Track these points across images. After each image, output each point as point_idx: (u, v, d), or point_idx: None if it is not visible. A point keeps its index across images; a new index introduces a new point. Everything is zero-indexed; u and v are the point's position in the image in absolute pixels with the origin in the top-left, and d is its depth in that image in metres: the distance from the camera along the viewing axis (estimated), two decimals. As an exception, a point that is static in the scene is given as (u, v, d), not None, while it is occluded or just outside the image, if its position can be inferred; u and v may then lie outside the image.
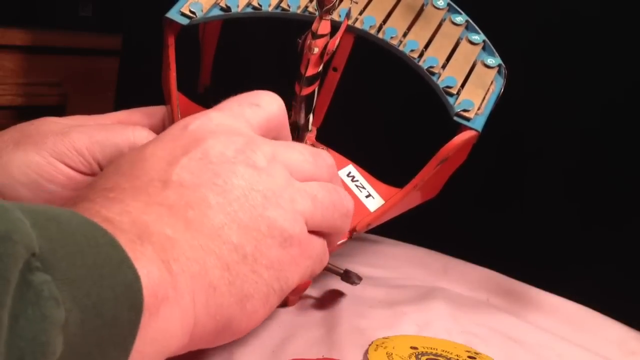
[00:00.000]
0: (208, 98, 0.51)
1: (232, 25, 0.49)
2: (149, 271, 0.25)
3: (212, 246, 0.29)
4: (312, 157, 0.35)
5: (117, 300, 0.22)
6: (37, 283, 0.19)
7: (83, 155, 0.39)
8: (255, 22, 0.47)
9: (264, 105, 0.35)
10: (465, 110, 0.42)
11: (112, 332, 0.22)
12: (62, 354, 0.20)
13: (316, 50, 0.38)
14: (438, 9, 0.48)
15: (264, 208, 0.31)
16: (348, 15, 0.43)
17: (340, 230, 0.36)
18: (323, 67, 0.40)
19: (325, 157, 0.36)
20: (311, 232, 0.34)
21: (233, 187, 0.30)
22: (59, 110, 1.29)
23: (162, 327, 0.25)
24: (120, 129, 0.40)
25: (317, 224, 0.34)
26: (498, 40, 0.47)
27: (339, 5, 0.45)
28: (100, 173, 0.32)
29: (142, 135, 0.40)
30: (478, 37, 0.47)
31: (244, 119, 0.34)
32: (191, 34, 0.46)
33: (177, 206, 0.29)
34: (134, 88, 0.88)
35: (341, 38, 0.40)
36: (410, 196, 0.44)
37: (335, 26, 0.40)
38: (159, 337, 0.25)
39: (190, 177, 0.30)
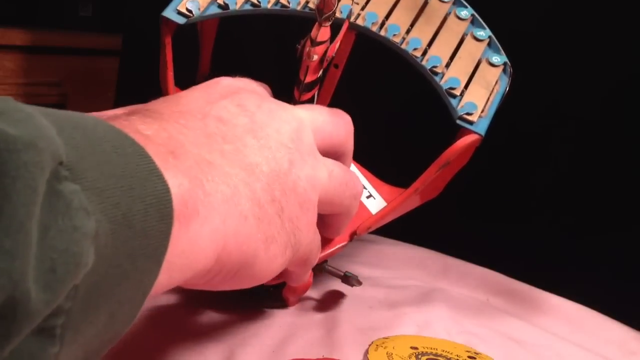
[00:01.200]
0: None
1: (230, 19, 0.49)
2: (180, 183, 0.24)
3: (247, 178, 0.29)
4: (330, 117, 0.36)
5: (146, 211, 0.22)
6: (66, 192, 0.19)
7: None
8: (254, 18, 0.46)
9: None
10: (468, 114, 0.41)
11: (142, 242, 0.22)
12: (94, 265, 0.19)
13: (315, 57, 0.38)
14: (443, 2, 0.46)
15: (291, 165, 0.31)
16: (349, 17, 0.43)
17: (348, 211, 0.37)
18: (323, 69, 0.40)
19: (342, 115, 0.37)
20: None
21: (268, 136, 0.31)
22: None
23: (191, 240, 0.25)
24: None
25: (329, 198, 0.34)
26: (501, 32, 0.46)
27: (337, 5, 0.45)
28: (137, 106, 0.32)
29: None
30: (484, 33, 0.45)
31: (267, 91, 0.36)
32: (189, 30, 0.46)
33: (215, 136, 0.29)
34: (134, 88, 0.87)
35: (342, 37, 0.39)
36: (411, 199, 0.43)
37: (337, 23, 0.39)
38: (188, 251, 0.25)
39: (228, 116, 0.30)
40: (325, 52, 0.38)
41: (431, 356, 0.38)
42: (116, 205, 0.21)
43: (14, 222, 0.17)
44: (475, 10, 0.47)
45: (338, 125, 0.36)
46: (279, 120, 0.32)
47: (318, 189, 0.33)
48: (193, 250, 0.25)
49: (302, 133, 0.33)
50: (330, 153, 0.36)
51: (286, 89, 0.43)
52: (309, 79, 0.39)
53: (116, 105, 0.92)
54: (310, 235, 0.33)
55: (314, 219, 0.33)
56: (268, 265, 0.30)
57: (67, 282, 0.18)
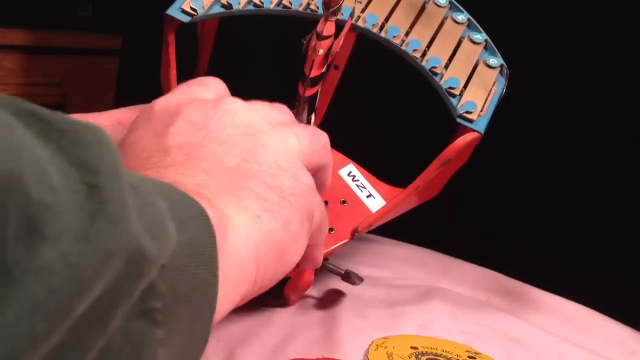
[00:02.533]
0: None
1: (229, 22, 0.49)
2: (202, 205, 0.26)
3: (238, 181, 0.30)
4: (272, 108, 0.36)
5: (195, 223, 0.24)
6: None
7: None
8: (253, 18, 0.46)
9: (212, 86, 0.36)
10: (468, 112, 0.42)
11: (196, 250, 0.23)
12: (170, 262, 0.21)
13: (321, 51, 0.38)
14: (440, 6, 0.47)
15: (261, 142, 0.32)
16: (352, 15, 0.43)
17: (326, 165, 0.37)
18: (326, 68, 0.40)
19: (285, 109, 0.37)
20: None
21: (229, 136, 0.31)
22: (59, 110, 1.28)
23: (234, 249, 0.27)
24: (121, 130, 0.40)
25: (307, 160, 0.35)
26: (497, 36, 0.46)
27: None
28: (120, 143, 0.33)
29: None
30: (480, 37, 0.46)
31: (198, 94, 0.35)
32: (187, 31, 0.46)
33: (188, 163, 0.30)
34: (134, 88, 0.87)
35: (344, 38, 0.40)
36: (412, 197, 0.44)
37: (339, 24, 0.39)
38: (236, 261, 0.27)
39: (186, 140, 0.31)
40: (330, 47, 0.39)
41: (431, 356, 0.38)
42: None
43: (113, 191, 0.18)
44: (475, 9, 0.47)
45: (281, 110, 0.36)
46: (226, 113, 0.33)
47: (295, 153, 0.33)
48: (240, 260, 0.28)
49: (252, 111, 0.33)
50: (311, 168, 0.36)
51: (286, 89, 0.43)
52: (314, 73, 0.39)
53: (116, 105, 0.92)
54: (317, 198, 0.34)
55: (309, 180, 0.33)
56: (296, 246, 0.32)
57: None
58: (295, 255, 0.32)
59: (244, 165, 0.31)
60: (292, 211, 0.31)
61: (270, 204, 0.30)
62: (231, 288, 0.27)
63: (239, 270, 0.28)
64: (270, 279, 0.31)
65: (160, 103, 0.34)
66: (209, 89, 0.36)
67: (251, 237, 0.29)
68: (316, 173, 0.37)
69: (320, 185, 0.38)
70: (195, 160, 0.30)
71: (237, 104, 0.33)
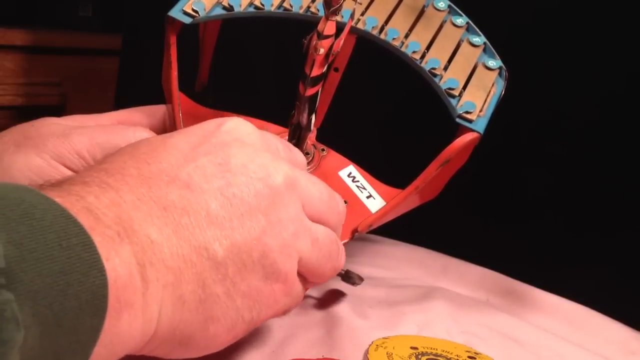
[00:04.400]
0: (206, 97, 0.51)
1: (230, 25, 0.49)
2: (117, 275, 0.24)
3: (195, 259, 0.28)
4: (328, 197, 0.34)
5: (80, 308, 0.22)
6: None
7: (84, 158, 0.38)
8: (254, 21, 0.47)
9: (298, 158, 0.36)
10: (467, 112, 0.42)
11: (71, 339, 0.22)
12: None
13: (322, 50, 0.38)
14: (439, 10, 0.48)
15: (263, 233, 0.30)
16: (352, 16, 0.43)
17: (322, 280, 0.36)
18: (326, 68, 0.40)
19: (339, 201, 0.36)
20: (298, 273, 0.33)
21: (241, 202, 0.29)
22: (59, 110, 1.28)
23: (121, 332, 0.25)
24: (121, 130, 0.40)
25: (309, 267, 0.33)
26: (496, 40, 0.46)
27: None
28: (120, 149, 0.31)
29: (143, 136, 0.40)
30: (479, 39, 0.47)
31: (274, 141, 0.34)
32: (188, 33, 0.46)
33: (173, 208, 0.28)
34: (134, 88, 0.88)
35: (344, 39, 0.40)
36: (412, 197, 0.44)
37: (339, 27, 0.40)
38: (116, 341, 0.25)
39: (200, 180, 0.29)
40: (331, 46, 0.39)
41: (431, 356, 0.38)
42: (49, 306, 0.21)
43: None
44: (476, 11, 0.47)
45: (332, 208, 0.35)
46: (264, 180, 0.30)
47: (295, 258, 0.31)
48: (122, 341, 0.25)
49: (289, 196, 0.31)
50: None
51: (286, 90, 0.43)
52: (314, 73, 0.39)
53: (116, 105, 0.92)
54: (280, 303, 0.32)
55: (285, 287, 0.31)
56: (206, 344, 0.29)
57: None
58: (200, 349, 0.30)
59: (218, 246, 0.28)
60: (226, 312, 0.29)
61: (208, 296, 0.28)
62: (99, 358, 0.24)
63: (118, 348, 0.25)
64: (159, 355, 0.29)
65: (231, 125, 0.32)
66: (292, 157, 0.34)
67: (159, 316, 0.26)
68: (308, 282, 0.34)
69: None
70: (181, 209, 0.28)
71: (291, 174, 0.31)
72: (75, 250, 0.22)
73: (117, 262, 0.24)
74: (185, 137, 0.31)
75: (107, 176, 0.27)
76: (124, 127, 0.41)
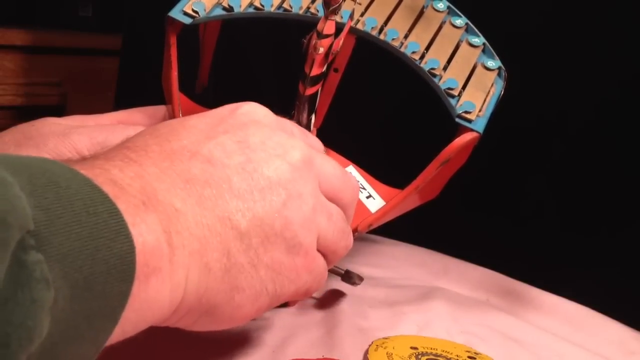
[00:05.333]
0: (206, 97, 0.51)
1: (231, 25, 0.49)
2: (144, 240, 0.24)
3: (219, 228, 0.28)
4: (342, 173, 0.35)
5: (109, 272, 0.22)
6: (29, 263, 0.19)
7: (84, 157, 0.39)
8: (253, 22, 0.47)
9: (313, 140, 0.36)
10: (467, 112, 0.42)
11: (101, 303, 0.22)
12: (49, 330, 0.20)
13: (321, 50, 0.38)
14: (438, 11, 0.48)
15: (284, 206, 0.30)
16: (351, 16, 0.43)
17: (337, 259, 0.36)
18: (326, 67, 0.40)
19: (352, 179, 0.36)
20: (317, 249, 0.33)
21: (262, 176, 0.30)
22: (59, 110, 1.29)
23: (150, 297, 0.25)
24: (121, 129, 0.40)
25: (327, 244, 0.34)
26: (495, 41, 0.47)
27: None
28: (140, 131, 0.31)
29: None
30: (478, 40, 0.47)
31: (289, 124, 0.35)
32: (188, 34, 0.46)
33: (195, 181, 0.28)
34: (134, 88, 0.88)
35: (343, 39, 0.40)
36: (412, 197, 0.44)
37: (338, 27, 0.40)
38: (145, 307, 0.25)
39: (220, 156, 0.30)
40: (331, 45, 0.39)
41: (431, 356, 0.38)
42: (79, 269, 0.21)
43: None
44: (476, 13, 0.47)
45: (346, 184, 0.35)
46: (282, 156, 0.31)
47: (315, 232, 0.32)
48: (150, 307, 0.25)
49: (307, 173, 0.32)
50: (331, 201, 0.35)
51: (286, 90, 0.43)
52: (314, 72, 0.39)
53: (116, 105, 0.92)
54: (302, 278, 0.32)
55: (307, 262, 0.32)
56: (231, 315, 0.30)
57: (20, 355, 0.19)
58: (225, 320, 0.30)
59: (241, 217, 0.29)
60: (251, 282, 0.29)
61: (233, 265, 0.29)
62: (129, 327, 0.25)
63: (148, 314, 0.26)
64: (185, 325, 0.29)
65: (247, 108, 0.33)
66: (307, 140, 0.35)
67: (185, 285, 0.27)
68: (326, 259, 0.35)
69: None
70: (204, 182, 0.28)
71: (307, 152, 0.32)
72: (102, 217, 0.22)
73: (143, 228, 0.25)
74: (204, 119, 0.32)
75: (130, 152, 0.28)
76: (123, 127, 0.41)
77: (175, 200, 0.27)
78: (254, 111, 0.33)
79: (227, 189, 0.29)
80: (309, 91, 0.40)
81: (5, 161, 0.21)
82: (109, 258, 0.22)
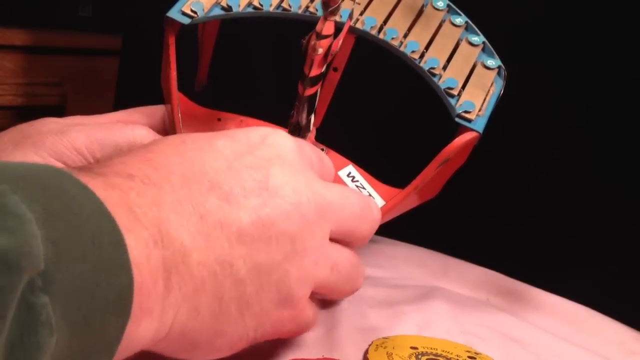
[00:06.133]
0: (206, 97, 0.51)
1: (230, 25, 0.49)
2: (143, 280, 0.24)
3: (218, 272, 0.28)
4: (360, 210, 0.34)
5: (107, 308, 0.22)
6: (37, 306, 0.19)
7: (82, 154, 0.38)
8: (253, 21, 0.47)
9: (327, 168, 0.36)
10: (466, 112, 0.42)
11: (97, 339, 0.22)
12: None
13: (320, 50, 0.38)
14: (438, 10, 0.48)
15: (286, 259, 0.30)
16: (351, 16, 0.43)
17: (340, 297, 0.36)
18: (325, 68, 0.40)
19: (373, 208, 0.36)
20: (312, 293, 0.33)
21: (272, 224, 0.29)
22: (59, 110, 1.29)
23: (137, 335, 0.25)
24: (119, 127, 0.40)
25: (324, 291, 0.33)
26: (495, 40, 0.47)
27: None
28: (166, 138, 0.31)
29: (142, 133, 0.40)
30: (478, 39, 0.47)
31: (308, 154, 0.34)
32: (187, 33, 0.46)
33: (209, 217, 0.28)
34: (134, 88, 0.88)
35: (345, 32, 0.40)
36: (411, 197, 0.44)
37: (338, 27, 0.40)
38: (130, 343, 0.25)
39: (238, 194, 0.29)
40: (330, 46, 0.39)
41: (431, 356, 0.38)
42: (79, 307, 0.21)
43: None
44: (475, 11, 0.47)
45: (364, 220, 0.35)
46: (297, 207, 0.30)
47: (311, 285, 0.32)
48: (134, 342, 0.25)
49: (318, 224, 0.31)
50: (344, 240, 0.34)
51: (285, 90, 0.43)
52: (313, 73, 0.39)
53: (116, 105, 0.92)
54: (286, 327, 0.32)
55: (294, 313, 0.31)
56: (208, 353, 0.30)
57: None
58: (200, 356, 0.30)
59: (243, 264, 0.28)
60: (234, 329, 0.29)
61: (222, 311, 0.28)
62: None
63: (128, 348, 0.25)
64: (162, 353, 0.29)
65: (275, 138, 0.32)
66: (323, 170, 0.35)
67: (173, 322, 0.27)
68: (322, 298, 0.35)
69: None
70: (217, 222, 0.28)
71: (318, 208, 0.31)
72: (106, 249, 0.22)
73: (145, 268, 0.24)
74: (231, 143, 0.31)
75: (152, 170, 0.27)
76: (122, 125, 0.41)
77: (185, 235, 0.27)
78: (281, 144, 0.32)
79: (236, 232, 0.28)
80: (309, 92, 0.40)
81: (24, 184, 0.21)
82: (108, 293, 0.22)
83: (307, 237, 0.31)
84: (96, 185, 0.24)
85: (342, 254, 0.34)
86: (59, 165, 0.38)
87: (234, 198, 0.29)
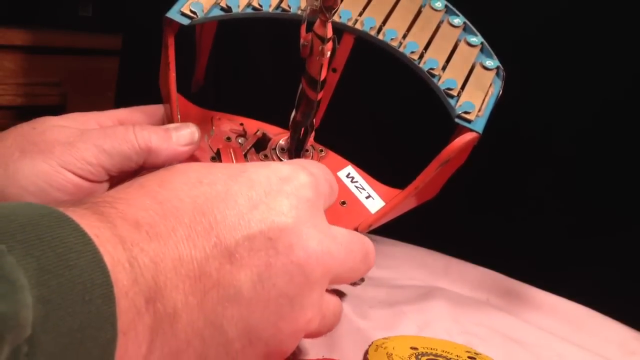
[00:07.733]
0: (206, 97, 0.51)
1: (230, 25, 0.49)
2: (127, 348, 0.24)
3: (207, 333, 0.27)
4: (360, 261, 0.34)
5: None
6: None
7: (92, 165, 0.38)
8: (253, 21, 0.47)
9: (327, 198, 0.34)
10: (466, 112, 0.42)
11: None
12: None
13: (328, 54, 0.38)
14: (436, 10, 0.48)
15: (280, 318, 0.29)
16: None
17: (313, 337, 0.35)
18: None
19: (371, 257, 0.35)
20: None
21: (273, 287, 0.28)
22: (59, 110, 1.28)
23: None
24: (124, 135, 0.40)
25: (309, 335, 0.33)
26: (493, 41, 0.47)
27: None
28: (181, 172, 0.30)
29: (144, 135, 0.40)
30: (476, 39, 0.47)
31: (323, 193, 0.33)
32: (184, 34, 0.46)
33: (208, 279, 0.27)
34: (133, 88, 0.88)
35: (342, 39, 0.40)
36: (411, 197, 0.44)
37: (336, 27, 0.40)
38: None
39: (244, 254, 0.28)
40: (334, 48, 0.39)
41: (431, 356, 0.38)
42: None
43: None
44: (473, 11, 0.47)
45: (360, 272, 0.34)
46: (303, 268, 0.29)
47: (300, 337, 0.31)
48: None
49: (318, 285, 0.30)
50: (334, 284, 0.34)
51: (284, 90, 0.43)
52: (323, 76, 0.39)
53: (116, 105, 0.92)
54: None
55: (281, 358, 0.30)
56: None
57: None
58: None
59: (234, 325, 0.27)
60: None
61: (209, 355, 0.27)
62: None
63: None
64: None
65: (296, 185, 0.31)
66: (330, 200, 0.34)
67: None
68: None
69: None
70: (214, 283, 0.27)
71: (322, 271, 0.30)
72: (95, 303, 0.22)
73: (131, 337, 0.24)
74: (248, 191, 0.30)
75: (160, 217, 0.27)
76: (125, 130, 0.41)
77: (178, 299, 0.26)
78: (299, 189, 0.31)
79: (233, 294, 0.27)
80: (321, 95, 0.40)
81: (22, 236, 0.21)
82: (92, 349, 0.22)
83: (306, 296, 0.30)
84: (99, 234, 0.24)
85: (330, 304, 0.33)
86: (68, 173, 0.38)
87: (237, 258, 0.28)
